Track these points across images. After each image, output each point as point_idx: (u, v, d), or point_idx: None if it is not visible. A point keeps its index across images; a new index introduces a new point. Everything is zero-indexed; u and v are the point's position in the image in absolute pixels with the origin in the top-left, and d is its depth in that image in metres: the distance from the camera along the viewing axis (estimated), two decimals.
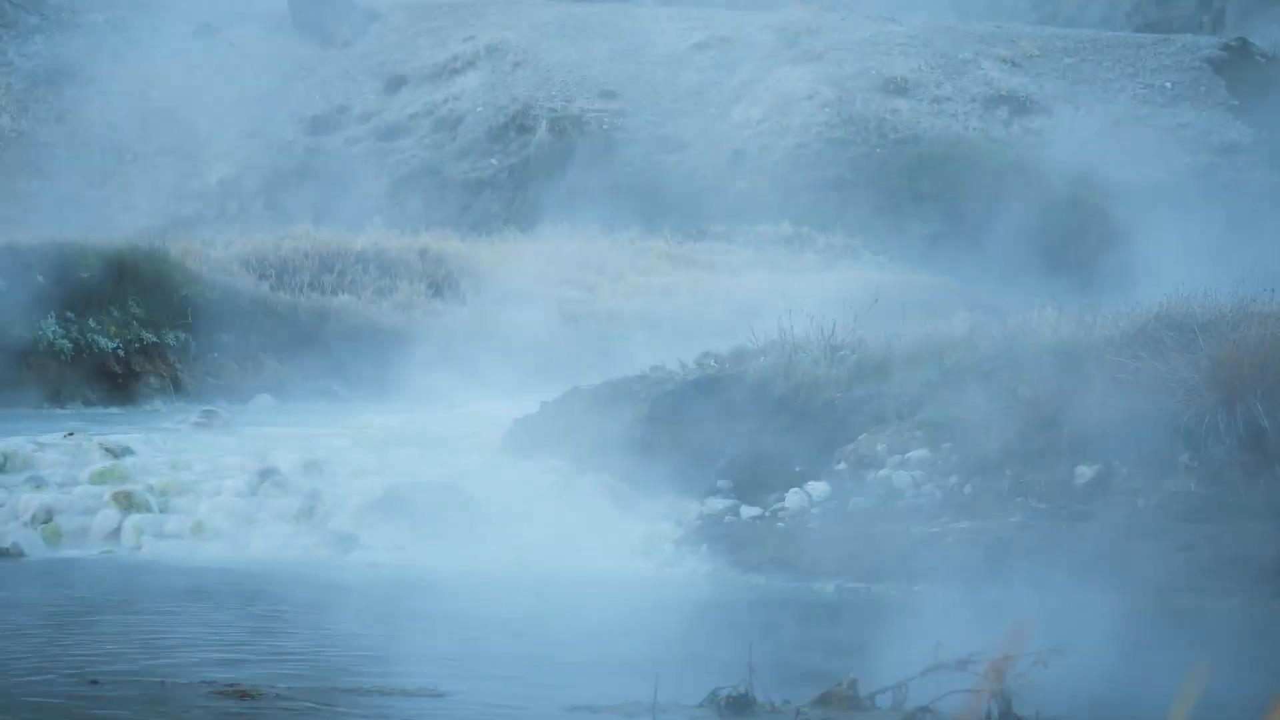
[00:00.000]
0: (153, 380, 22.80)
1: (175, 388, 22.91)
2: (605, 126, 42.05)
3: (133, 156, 45.09)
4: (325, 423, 19.43)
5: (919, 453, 14.20)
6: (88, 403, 21.45)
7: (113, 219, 42.28)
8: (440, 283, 27.46)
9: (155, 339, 23.28)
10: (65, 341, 22.60)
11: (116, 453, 16.27)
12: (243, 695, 8.55)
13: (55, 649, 10.00)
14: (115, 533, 14.82)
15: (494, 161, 42.26)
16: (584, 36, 45.73)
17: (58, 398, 21.59)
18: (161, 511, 15.12)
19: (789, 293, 25.82)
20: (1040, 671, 7.99)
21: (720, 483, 14.86)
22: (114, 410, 21.36)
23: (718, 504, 14.40)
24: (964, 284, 31.23)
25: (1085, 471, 13.44)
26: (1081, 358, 14.29)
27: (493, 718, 8.37)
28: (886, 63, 43.40)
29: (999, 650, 8.10)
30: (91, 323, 22.92)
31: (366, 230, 36.35)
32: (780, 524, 13.93)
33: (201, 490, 15.48)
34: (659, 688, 8.15)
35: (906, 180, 38.71)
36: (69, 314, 22.86)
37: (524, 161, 41.78)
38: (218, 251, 27.39)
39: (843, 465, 14.46)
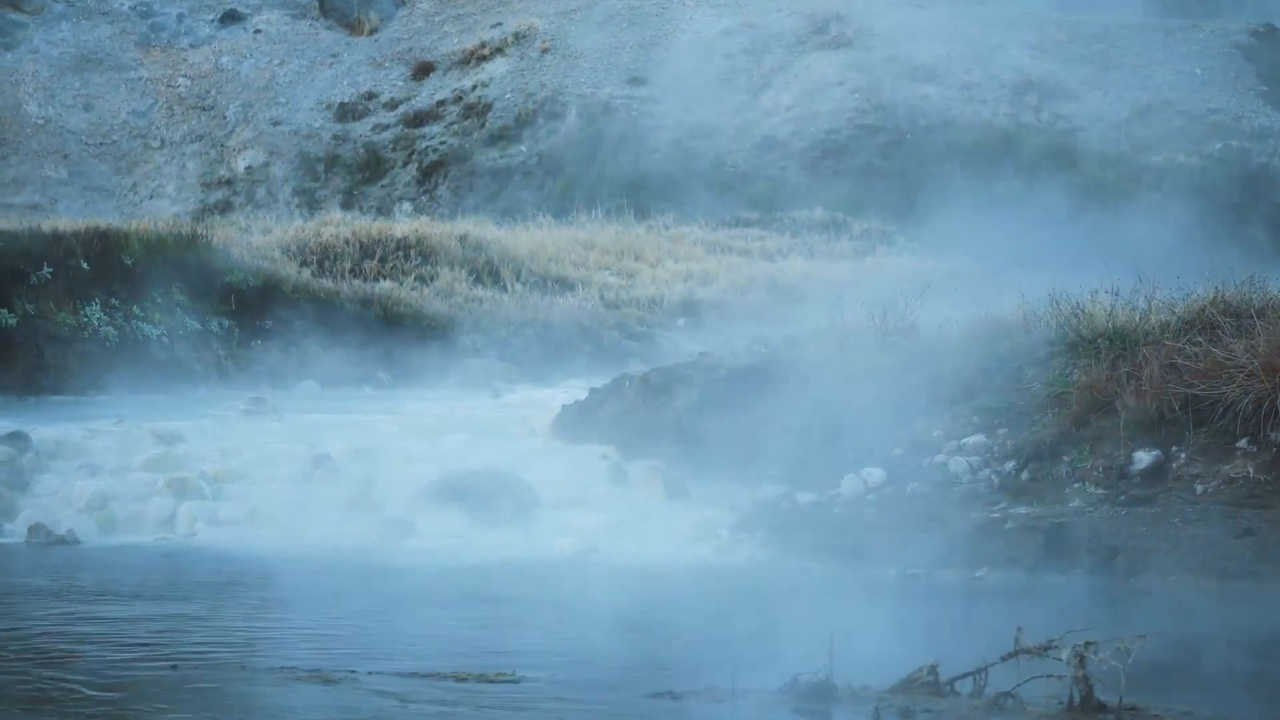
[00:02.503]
0: (196, 367, 22.86)
1: (219, 375, 22.96)
2: (634, 113, 42.05)
3: (159, 144, 45.18)
4: (371, 409, 19.46)
5: (975, 438, 14.17)
6: (132, 389, 21.48)
7: (140, 206, 42.45)
8: (480, 269, 27.48)
9: (199, 326, 23.33)
10: (109, 328, 22.65)
11: (167, 440, 16.31)
12: (325, 680, 8.58)
13: (129, 635, 10.03)
14: (169, 519, 14.83)
15: (523, 148, 42.27)
16: (612, 23, 45.69)
17: (101, 384, 21.64)
18: (215, 498, 15.14)
19: (827, 278, 25.84)
20: (1123, 658, 8.00)
21: (773, 469, 14.84)
22: (158, 397, 21.38)
23: (773, 490, 14.36)
24: (996, 270, 31.16)
25: (1143, 457, 13.41)
26: (1137, 343, 14.25)
27: (573, 705, 8.37)
28: (915, 49, 43.33)
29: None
30: (135, 309, 22.96)
31: (397, 217, 36.40)
32: (837, 510, 13.90)
33: (254, 477, 15.50)
34: (737, 674, 8.18)
35: (937, 166, 38.66)
36: (113, 301, 22.92)
37: (553, 148, 41.79)
38: (258, 238, 27.45)
39: (898, 451, 14.42)
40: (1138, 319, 14.64)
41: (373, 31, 48.59)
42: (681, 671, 8.80)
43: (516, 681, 8.66)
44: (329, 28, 49.15)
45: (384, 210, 40.58)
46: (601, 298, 27.25)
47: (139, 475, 15.45)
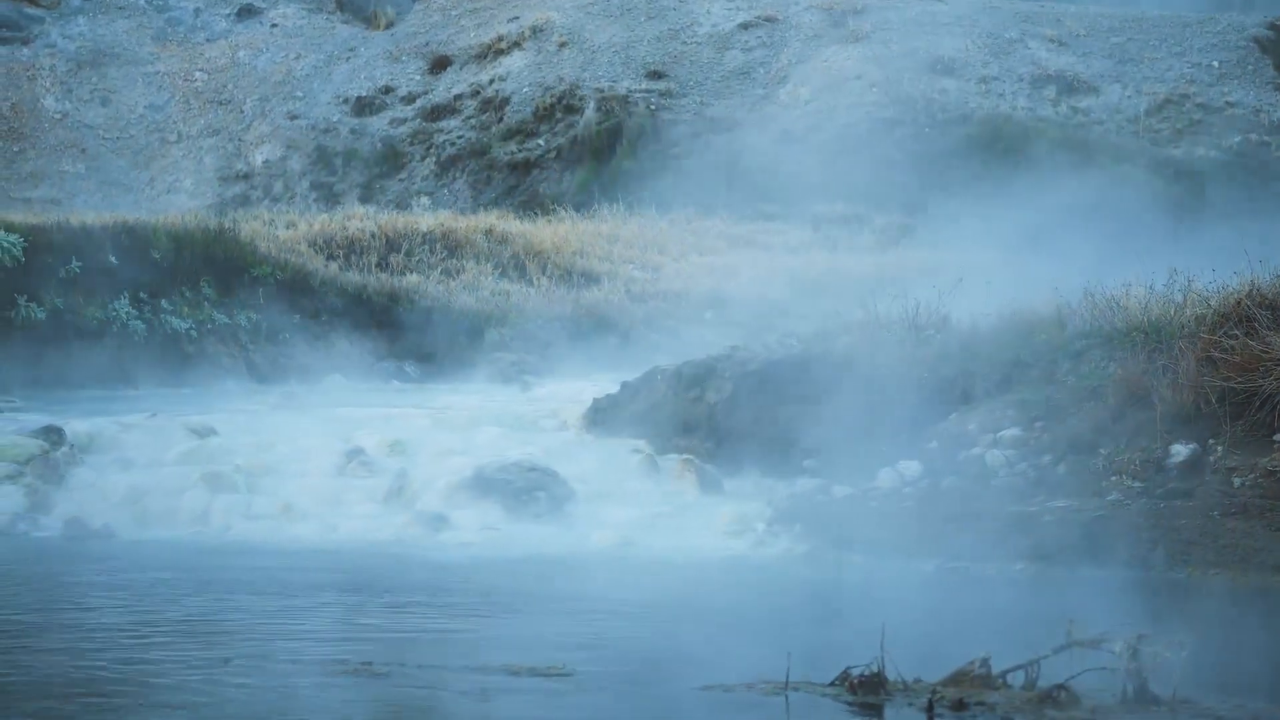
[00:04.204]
0: (225, 361, 22.92)
1: (247, 368, 23.03)
2: (652, 107, 42.02)
3: (177, 138, 45.18)
4: (400, 403, 19.47)
5: (1011, 431, 14.16)
6: (160, 383, 21.54)
7: (157, 201, 42.45)
8: (506, 263, 27.53)
9: (227, 320, 23.40)
10: (138, 322, 22.72)
11: (201, 433, 16.32)
12: (374, 673, 8.60)
13: (176, 629, 10.05)
14: (204, 513, 14.83)
15: (541, 142, 42.26)
16: (629, 16, 45.68)
17: (130, 378, 21.71)
18: (249, 492, 15.14)
19: (850, 272, 25.83)
20: (1176, 651, 8.00)
21: (807, 462, 14.86)
22: (186, 391, 21.44)
23: (808, 483, 14.37)
24: (1019, 263, 31.13)
25: (1180, 450, 13.40)
26: (1173, 336, 14.25)
27: (625, 697, 8.39)
28: (933, 43, 43.30)
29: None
30: (164, 303, 23.04)
31: (415, 211, 36.40)
32: (873, 503, 13.89)
33: (288, 471, 15.51)
34: (790, 666, 8.18)
35: (956, 160, 38.61)
36: (141, 295, 22.99)
37: (571, 142, 41.76)
38: (284, 232, 27.49)
39: (934, 444, 14.42)
40: (1173, 312, 14.63)
41: (389, 25, 48.60)
42: (729, 665, 8.80)
43: (568, 675, 8.65)
44: (345, 22, 49.16)
45: (402, 204, 40.57)
46: (627, 291, 27.27)
47: (173, 469, 15.46)
